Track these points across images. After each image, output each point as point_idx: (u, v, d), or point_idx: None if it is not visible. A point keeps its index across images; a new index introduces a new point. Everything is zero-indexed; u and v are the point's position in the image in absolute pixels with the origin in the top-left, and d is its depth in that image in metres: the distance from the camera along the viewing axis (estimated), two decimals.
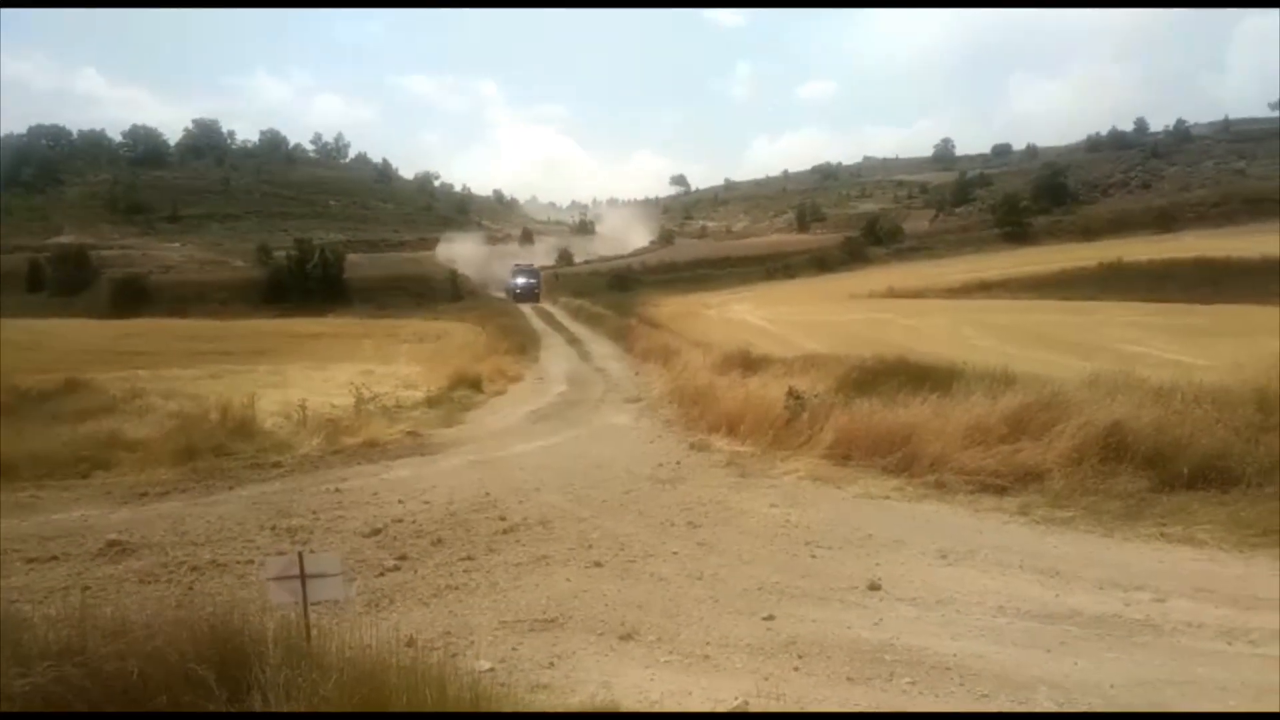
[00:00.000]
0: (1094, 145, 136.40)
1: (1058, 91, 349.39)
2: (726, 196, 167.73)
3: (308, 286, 71.06)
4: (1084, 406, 10.39)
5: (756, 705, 4.86)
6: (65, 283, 73.92)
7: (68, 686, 3.74)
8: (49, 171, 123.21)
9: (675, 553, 7.94)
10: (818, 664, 5.57)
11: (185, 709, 3.71)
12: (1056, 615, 6.25)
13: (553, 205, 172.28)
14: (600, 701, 4.89)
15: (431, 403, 18.26)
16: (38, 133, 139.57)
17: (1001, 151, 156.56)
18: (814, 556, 7.78)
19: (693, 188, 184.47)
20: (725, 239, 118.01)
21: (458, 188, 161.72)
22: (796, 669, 5.50)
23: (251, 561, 7.77)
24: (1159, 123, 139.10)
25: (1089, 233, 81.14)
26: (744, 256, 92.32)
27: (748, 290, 65.21)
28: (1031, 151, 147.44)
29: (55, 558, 8.03)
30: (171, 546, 8.31)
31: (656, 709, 4.92)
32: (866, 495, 9.87)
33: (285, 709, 3.59)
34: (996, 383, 12.04)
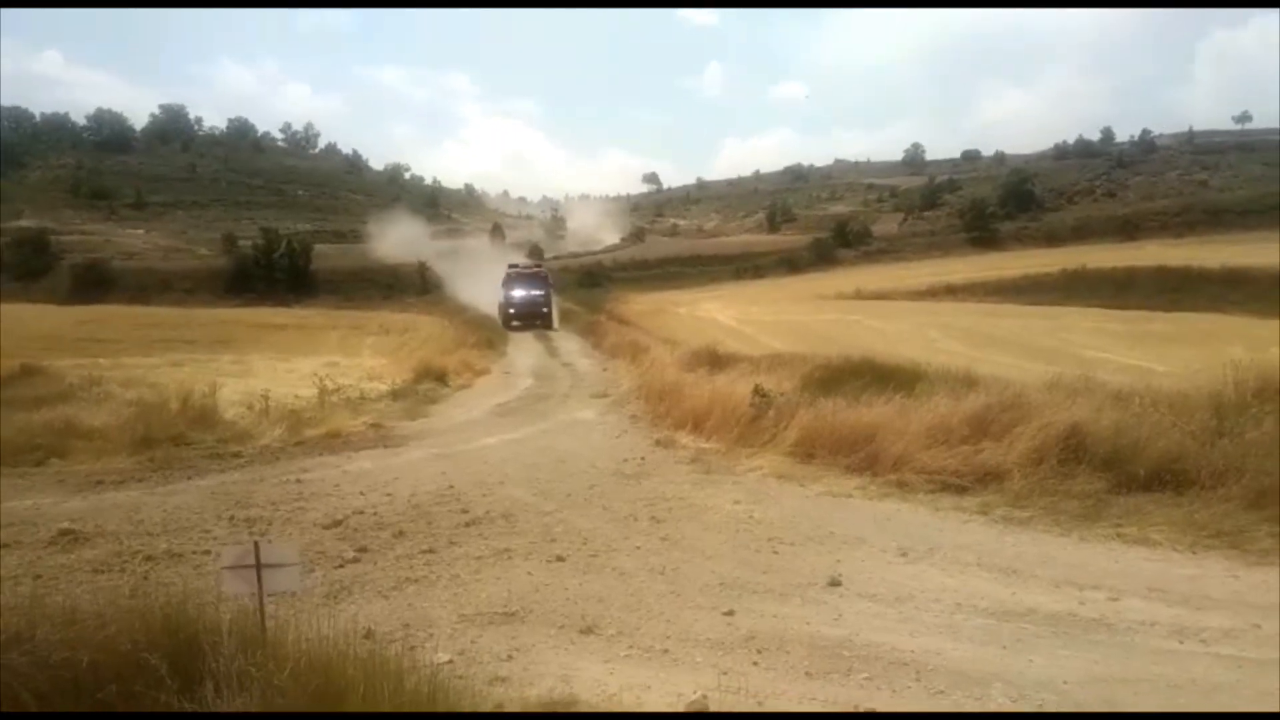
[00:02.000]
0: (1061, 153, 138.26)
1: (1027, 100, 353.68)
2: (698, 195, 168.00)
3: (274, 277, 70.29)
4: (1044, 409, 10.51)
5: (715, 699, 4.86)
6: (24, 267, 72.47)
7: (14, 674, 3.67)
8: (10, 154, 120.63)
9: (638, 547, 7.94)
10: (777, 659, 5.59)
11: (135, 699, 3.65)
12: (1013, 613, 6.32)
13: (523, 200, 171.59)
14: (558, 695, 4.88)
15: (396, 395, 18.13)
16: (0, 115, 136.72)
17: (971, 157, 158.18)
18: (775, 553, 7.81)
19: (664, 186, 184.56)
20: (696, 238, 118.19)
21: (428, 180, 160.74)
22: (756, 664, 5.51)
23: (208, 552, 7.66)
24: (1125, 133, 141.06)
25: (1054, 239, 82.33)
26: (714, 255, 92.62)
27: (717, 289, 65.43)
28: (1000, 158, 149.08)
29: (5, 545, 7.88)
30: (126, 536, 8.19)
31: (615, 702, 4.91)
32: (829, 493, 9.92)
33: (238, 699, 3.55)
34: (959, 384, 12.19)
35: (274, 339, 33.24)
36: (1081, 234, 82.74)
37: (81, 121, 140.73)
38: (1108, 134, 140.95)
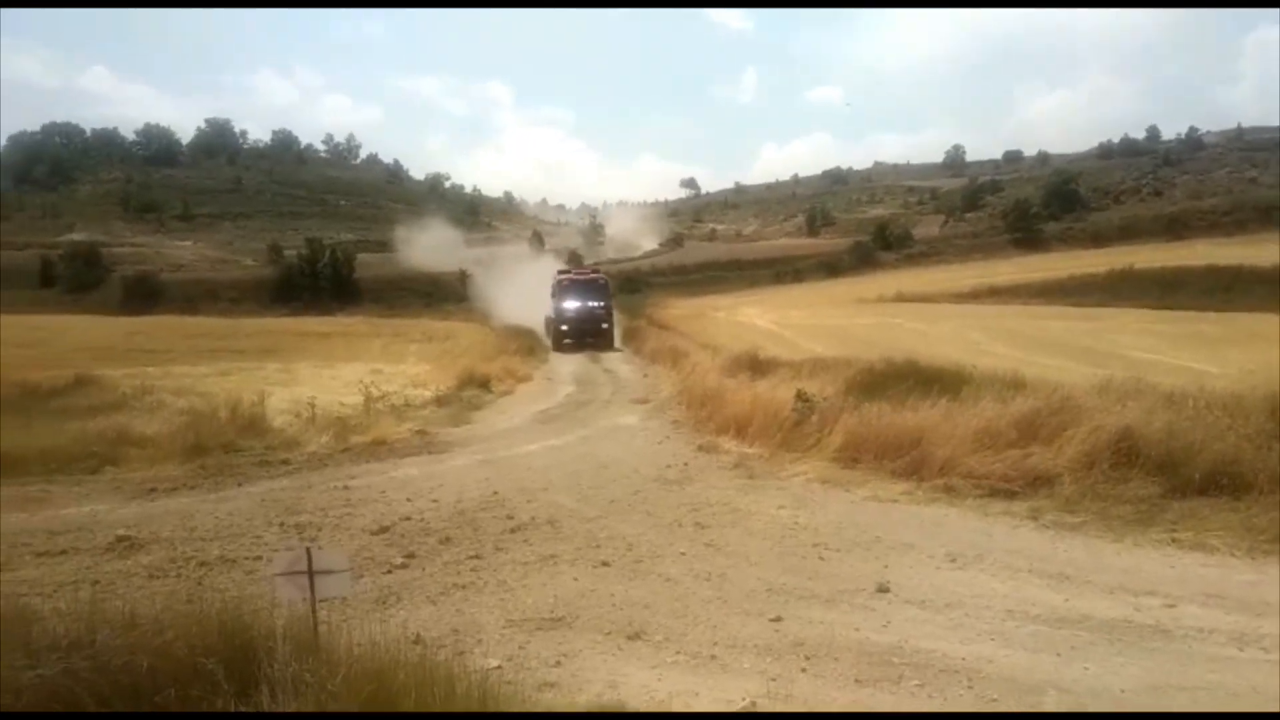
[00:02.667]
0: (1106, 152, 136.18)
1: (1069, 99, 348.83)
2: (736, 200, 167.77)
3: (318, 286, 71.36)
4: (1095, 412, 10.33)
5: (764, 706, 4.83)
6: (77, 280, 74.29)
7: (76, 680, 3.74)
8: (62, 169, 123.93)
9: (683, 553, 7.92)
10: (825, 665, 5.55)
11: (193, 703, 3.71)
12: (1066, 620, 6.21)
13: (562, 208, 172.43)
14: (607, 700, 4.88)
15: (440, 402, 18.29)
16: (51, 130, 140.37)
17: (1013, 158, 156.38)
18: (822, 558, 7.75)
19: (702, 191, 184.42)
20: (735, 242, 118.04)
21: (468, 189, 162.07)
22: (804, 670, 5.47)
23: (260, 558, 7.78)
24: (1171, 131, 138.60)
25: (1099, 240, 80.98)
26: (753, 260, 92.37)
27: (756, 294, 65.21)
28: (1043, 158, 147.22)
29: (64, 552, 8.05)
30: (180, 542, 8.33)
31: (664, 708, 4.90)
32: (875, 498, 9.83)
33: (293, 704, 3.59)
34: (1006, 387, 12.01)
35: (319, 347, 33.67)
36: (1128, 234, 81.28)
37: (130, 136, 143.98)
38: (1153, 132, 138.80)
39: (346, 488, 10.70)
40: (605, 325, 34.17)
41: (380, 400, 16.62)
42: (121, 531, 8.49)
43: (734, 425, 13.37)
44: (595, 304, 34.45)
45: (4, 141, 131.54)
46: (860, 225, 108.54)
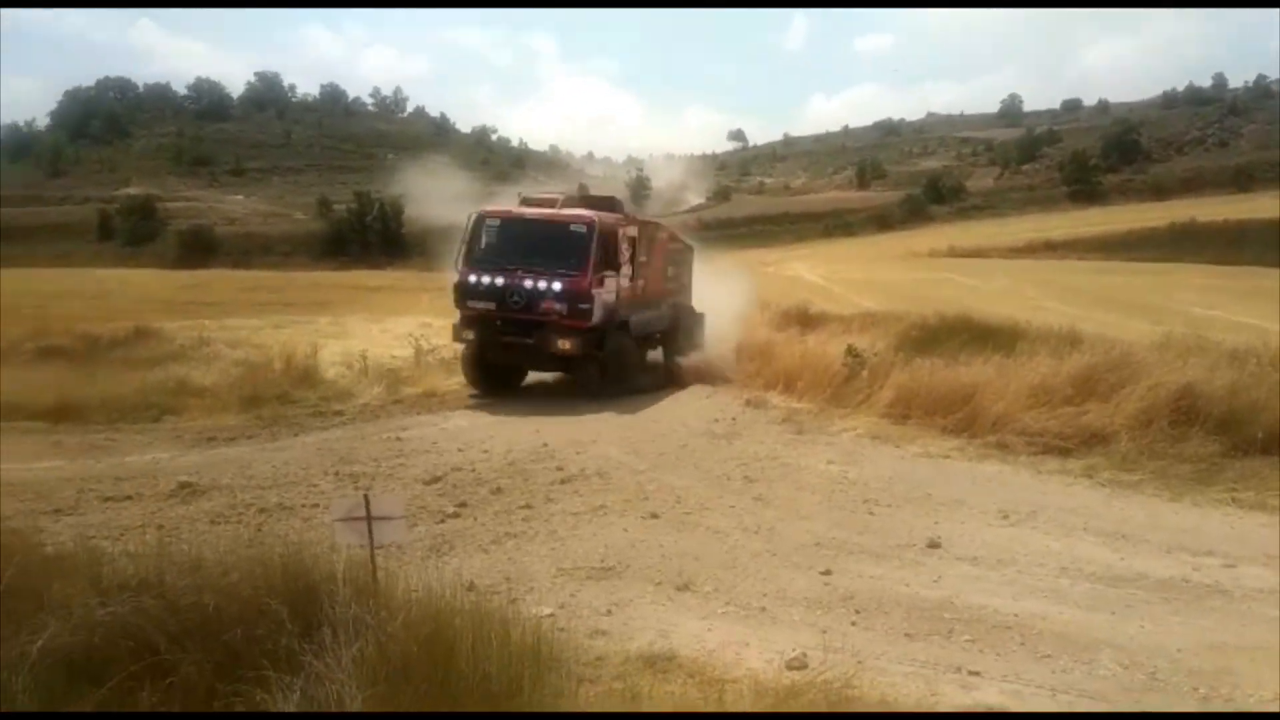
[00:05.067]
0: (1169, 101, 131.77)
1: (1132, 46, 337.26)
2: (785, 152, 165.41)
3: (367, 239, 71.92)
4: (1154, 369, 10.14)
5: (814, 658, 4.85)
6: (134, 233, 75.70)
7: (146, 617, 3.86)
8: (117, 124, 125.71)
9: (732, 506, 7.95)
10: (876, 619, 5.56)
11: (259, 642, 3.81)
12: (1122, 578, 6.14)
13: (608, 160, 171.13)
14: (658, 649, 4.92)
15: None
16: (105, 85, 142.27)
17: (1071, 107, 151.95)
18: (872, 514, 7.74)
19: (750, 143, 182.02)
20: (783, 196, 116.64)
21: (514, 142, 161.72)
22: (854, 624, 5.49)
23: (316, 505, 7.94)
24: (1239, 78, 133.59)
25: (1161, 192, 78.82)
26: (802, 213, 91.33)
27: (805, 247, 64.62)
28: (1103, 107, 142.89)
29: (130, 497, 8.28)
30: (240, 489, 8.53)
31: (714, 658, 4.94)
32: (925, 454, 9.77)
33: (354, 646, 3.67)
34: (1062, 343, 11.82)
35: (369, 300, 34.02)
36: (1191, 186, 79.00)
37: (182, 91, 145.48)
38: (1219, 80, 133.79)
39: (398, 438, 10.85)
40: (622, 343, 14.11)
41: (430, 353, 16.78)
42: (183, 478, 8.70)
43: (783, 380, 13.31)
44: (562, 283, 13.26)
45: (60, 96, 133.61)
46: (912, 178, 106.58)
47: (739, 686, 4.39)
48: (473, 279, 13.60)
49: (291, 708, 3.41)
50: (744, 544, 6.96)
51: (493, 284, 13.39)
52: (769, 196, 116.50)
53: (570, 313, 13.10)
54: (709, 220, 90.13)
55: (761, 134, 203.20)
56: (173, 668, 3.72)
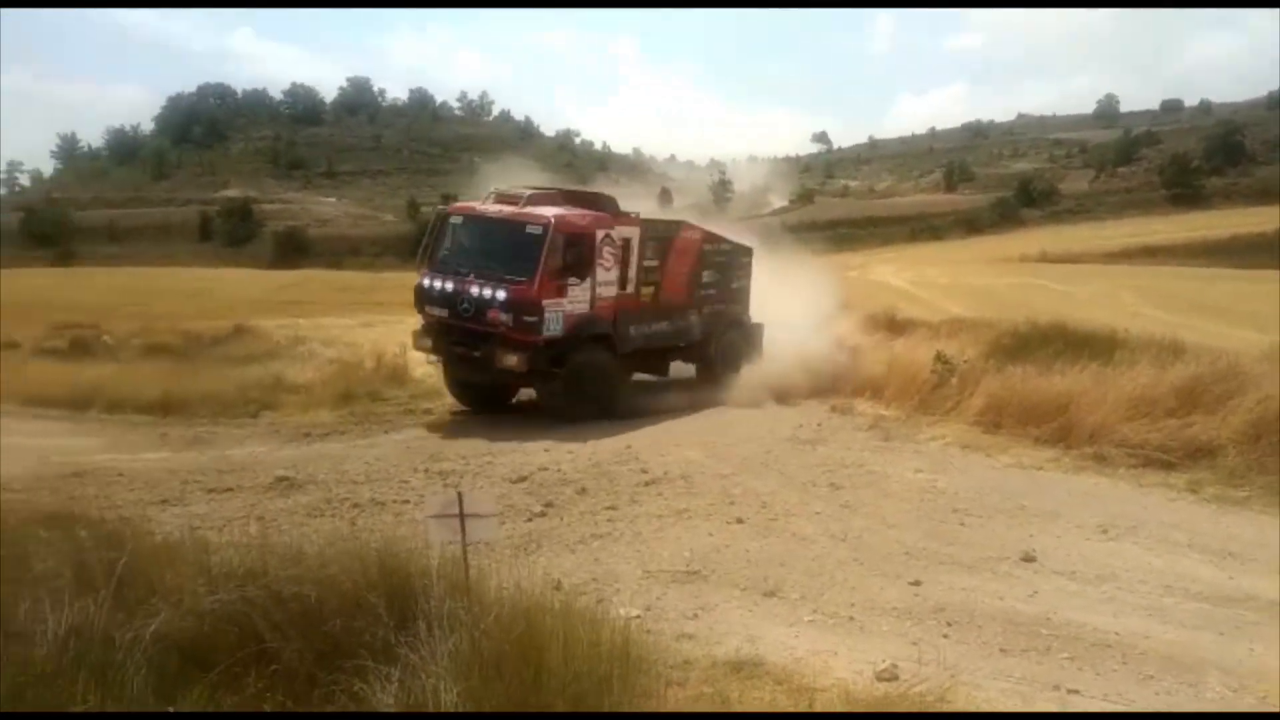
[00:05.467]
0: (1275, 102, 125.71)
1: (1236, 43, 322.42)
2: (870, 155, 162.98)
3: None
4: (1262, 380, 9.70)
5: (906, 670, 4.76)
6: (232, 234, 78.57)
7: (252, 606, 4.00)
8: (216, 128, 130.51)
9: (817, 513, 7.86)
10: (969, 633, 5.43)
11: (357, 633, 3.91)
12: (1230, 598, 5.89)
13: (690, 164, 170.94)
14: (745, 655, 4.89)
15: None
16: (206, 91, 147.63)
17: (1171, 108, 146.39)
18: (963, 524, 7.56)
19: (834, 146, 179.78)
20: (868, 199, 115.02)
21: (597, 145, 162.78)
22: (946, 636, 5.37)
23: (407, 501, 8.12)
24: None
25: (1267, 196, 75.18)
26: (887, 217, 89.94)
27: (891, 252, 63.57)
28: (1205, 108, 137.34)
29: (230, 489, 8.58)
30: (334, 484, 8.76)
31: (801, 665, 4.88)
32: (1018, 465, 9.52)
33: (449, 640, 3.73)
34: (1163, 353, 11.39)
35: None
36: None
37: (278, 96, 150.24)
38: None
39: (486, 438, 11.00)
40: (588, 360, 12.39)
41: None
42: (281, 472, 8.99)
43: (869, 386, 13.13)
44: (507, 292, 11.78)
45: (164, 102, 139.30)
46: (1002, 181, 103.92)
47: (829, 695, 4.34)
48: (427, 282, 12.55)
49: (389, 699, 3.49)
50: (830, 551, 6.88)
51: (444, 289, 12.24)
52: (853, 200, 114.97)
53: (515, 325, 11.62)
54: (792, 224, 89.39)
55: (846, 136, 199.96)
56: (276, 655, 3.85)
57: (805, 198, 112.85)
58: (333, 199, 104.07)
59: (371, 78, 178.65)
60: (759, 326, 14.97)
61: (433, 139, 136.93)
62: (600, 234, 12.39)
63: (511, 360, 11.62)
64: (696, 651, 4.99)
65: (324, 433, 11.39)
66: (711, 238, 14.58)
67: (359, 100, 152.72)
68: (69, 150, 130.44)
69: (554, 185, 14.88)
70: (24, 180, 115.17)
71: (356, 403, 12.95)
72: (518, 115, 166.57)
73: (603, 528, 7.48)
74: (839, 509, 7.98)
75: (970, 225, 79.52)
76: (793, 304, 15.35)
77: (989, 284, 35.24)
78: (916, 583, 6.19)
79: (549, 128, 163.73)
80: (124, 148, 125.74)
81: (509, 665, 3.69)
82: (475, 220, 12.82)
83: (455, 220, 13.08)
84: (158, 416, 12.14)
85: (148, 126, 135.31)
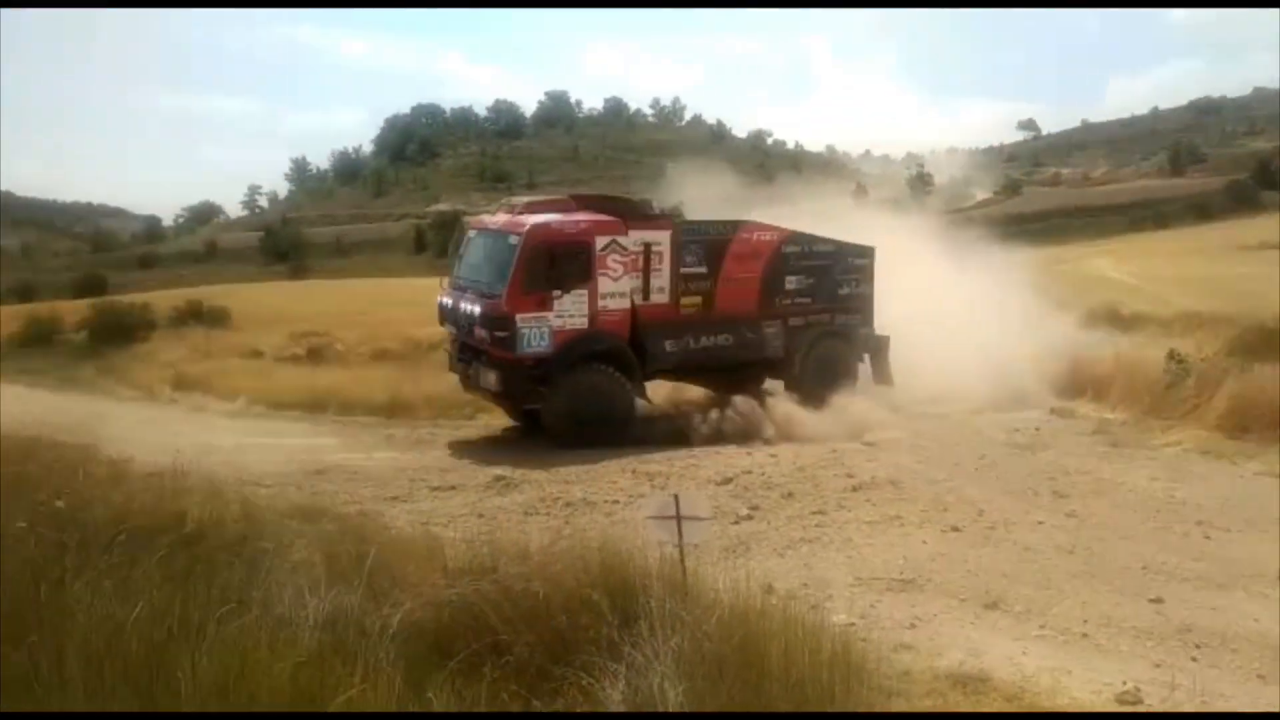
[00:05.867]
0: None
1: None
2: (1082, 140, 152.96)
3: None
4: None
5: (1149, 693, 4.44)
6: (443, 246, 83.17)
7: (484, 599, 4.21)
8: (428, 146, 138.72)
9: (1041, 522, 7.47)
10: (1220, 655, 5.01)
11: (582, 630, 4.04)
12: None
13: (886, 158, 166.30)
14: (969, 669, 4.70)
15: None
16: (419, 112, 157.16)
17: None
18: (1207, 538, 6.98)
19: (1042, 132, 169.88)
20: (1081, 187, 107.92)
21: (789, 145, 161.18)
22: (1194, 659, 4.98)
23: (616, 501, 8.34)
24: None
25: None
26: (1104, 205, 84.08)
27: (1109, 243, 59.29)
28: None
29: (453, 487, 9.10)
30: (547, 483, 9.11)
31: (1030, 682, 4.64)
32: (1269, 473, 8.71)
33: (671, 640, 3.79)
34: None
35: None
36: None
37: (483, 113, 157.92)
38: None
39: (690, 440, 11.09)
40: (578, 382, 11.36)
41: None
42: (498, 472, 9.44)
43: (1091, 387, 12.33)
44: (482, 306, 11.51)
45: (381, 124, 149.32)
46: (1236, 162, 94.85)
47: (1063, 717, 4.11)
48: (441, 299, 12.46)
49: (617, 695, 3.58)
50: (1058, 563, 6.51)
51: (452, 305, 12.05)
52: (1065, 189, 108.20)
53: (492, 342, 11.13)
54: (997, 216, 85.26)
55: (1055, 121, 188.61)
56: (508, 648, 4.03)
57: (1011, 189, 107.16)
58: None
59: (569, 90, 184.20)
60: (881, 339, 13.25)
61: (628, 146, 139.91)
62: (602, 241, 11.45)
63: (490, 379, 11.24)
64: (916, 663, 4.84)
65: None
66: (797, 238, 12.96)
67: (556, 113, 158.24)
68: (300, 173, 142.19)
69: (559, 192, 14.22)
70: (263, 202, 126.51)
71: None
72: (709, 119, 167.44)
73: (811, 533, 7.40)
74: (1065, 519, 7.55)
75: (1201, 211, 72.93)
76: (977, 306, 13.76)
77: (1224, 274, 32.21)
78: (1158, 600, 5.76)
79: (741, 130, 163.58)
80: (347, 168, 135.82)
81: (730, 668, 3.70)
82: (479, 233, 12.63)
83: (471, 234, 12.96)
84: (385, 418, 13.04)
85: (367, 148, 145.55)
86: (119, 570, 3.99)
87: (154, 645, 3.23)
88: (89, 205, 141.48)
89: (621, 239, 11.55)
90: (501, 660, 3.98)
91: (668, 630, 3.87)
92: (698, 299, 12.12)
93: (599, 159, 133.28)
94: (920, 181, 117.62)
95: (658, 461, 9.93)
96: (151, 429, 11.33)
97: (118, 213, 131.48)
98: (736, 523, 7.66)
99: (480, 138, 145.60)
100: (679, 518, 4.61)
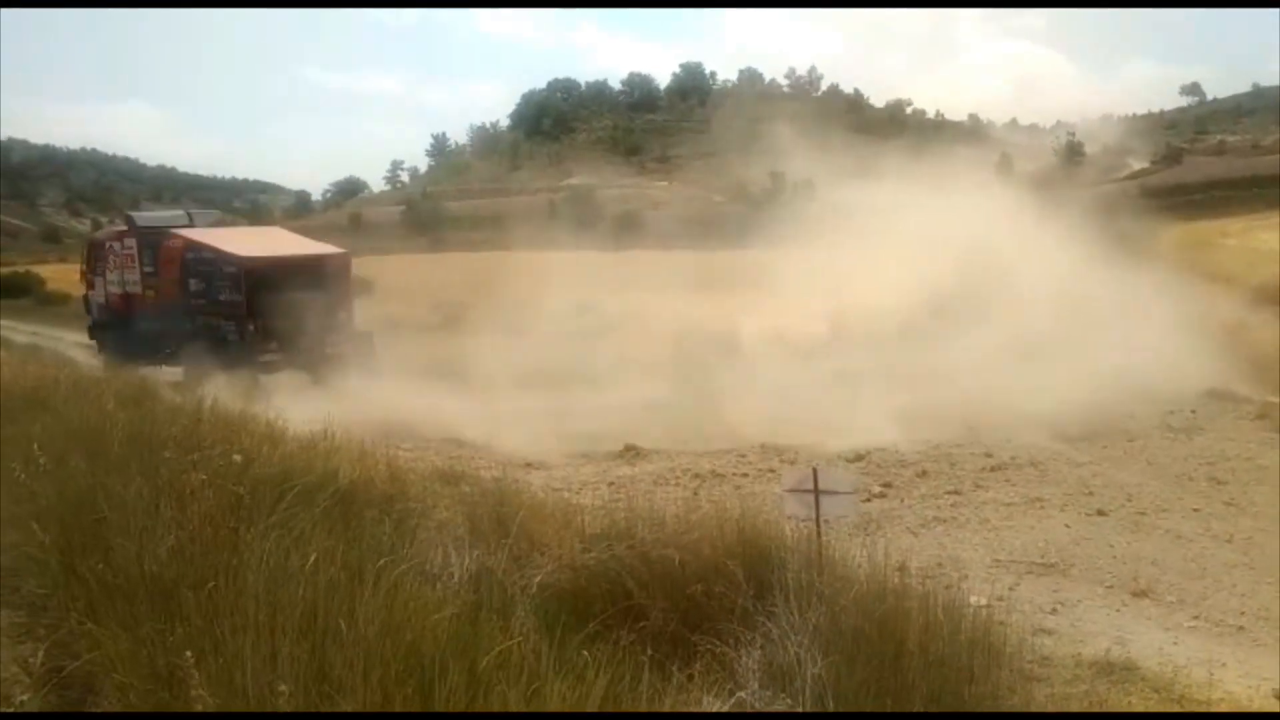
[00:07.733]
0: None
1: None
2: (1253, 105, 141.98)
3: (781, 220, 73.49)
4: None
5: None
6: (576, 219, 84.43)
7: (621, 565, 4.32)
8: (563, 120, 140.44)
9: (1195, 510, 7.12)
10: None
11: (717, 598, 4.10)
12: None
13: (1035, 127, 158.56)
14: (1115, 657, 4.54)
15: None
16: (554, 86, 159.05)
17: None
18: None
19: (1208, 97, 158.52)
20: (1251, 155, 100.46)
21: (930, 114, 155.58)
22: None
23: (746, 475, 8.38)
24: None
25: None
26: (1275, 176, 78.01)
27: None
28: None
29: (585, 455, 9.31)
30: (675, 454, 9.24)
31: (1181, 673, 4.45)
32: None
33: (807, 612, 3.81)
34: None
35: (784, 278, 34.77)
36: None
37: (617, 86, 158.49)
38: None
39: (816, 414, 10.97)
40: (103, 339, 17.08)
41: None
42: (629, 441, 9.59)
43: (1256, 369, 11.57)
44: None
45: (517, 99, 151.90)
46: None
47: (1217, 711, 3.93)
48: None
49: (753, 665, 3.63)
50: (1213, 553, 6.20)
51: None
52: (1232, 157, 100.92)
53: None
54: (1155, 186, 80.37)
55: (1222, 85, 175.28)
56: (644, 613, 4.13)
57: (1172, 157, 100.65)
58: (665, 182, 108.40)
59: (704, 61, 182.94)
60: (367, 334, 15.63)
61: (761, 118, 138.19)
62: (108, 244, 17.79)
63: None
64: (1058, 649, 4.71)
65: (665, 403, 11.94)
66: (192, 245, 15.63)
67: (691, 84, 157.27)
68: (440, 148, 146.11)
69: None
70: (404, 177, 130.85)
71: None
72: (846, 88, 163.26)
73: (946, 512, 7.27)
74: (1223, 506, 7.18)
75: None
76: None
77: None
78: None
79: (879, 99, 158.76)
80: (485, 143, 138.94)
81: (868, 644, 3.69)
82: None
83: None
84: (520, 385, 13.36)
85: (504, 123, 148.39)
86: (286, 522, 4.27)
87: (320, 591, 3.46)
88: (245, 180, 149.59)
89: (115, 244, 17.55)
90: (638, 625, 4.08)
91: (805, 603, 3.89)
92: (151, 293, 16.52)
93: (731, 130, 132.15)
94: (1070, 151, 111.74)
95: (785, 435, 9.89)
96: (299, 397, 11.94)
97: (270, 188, 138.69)
98: (868, 500, 7.57)
99: (614, 111, 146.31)
100: (816, 491, 4.60)
